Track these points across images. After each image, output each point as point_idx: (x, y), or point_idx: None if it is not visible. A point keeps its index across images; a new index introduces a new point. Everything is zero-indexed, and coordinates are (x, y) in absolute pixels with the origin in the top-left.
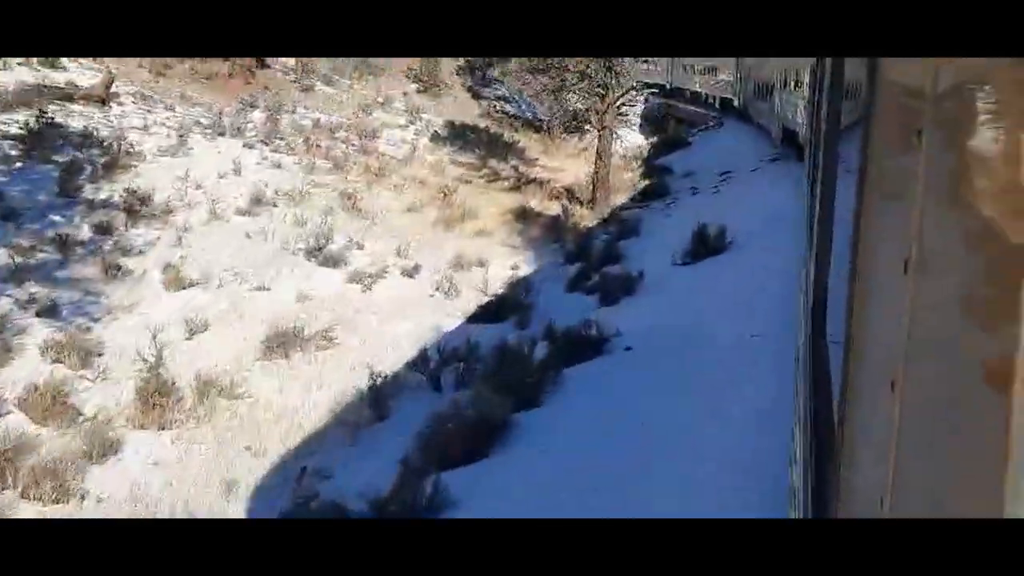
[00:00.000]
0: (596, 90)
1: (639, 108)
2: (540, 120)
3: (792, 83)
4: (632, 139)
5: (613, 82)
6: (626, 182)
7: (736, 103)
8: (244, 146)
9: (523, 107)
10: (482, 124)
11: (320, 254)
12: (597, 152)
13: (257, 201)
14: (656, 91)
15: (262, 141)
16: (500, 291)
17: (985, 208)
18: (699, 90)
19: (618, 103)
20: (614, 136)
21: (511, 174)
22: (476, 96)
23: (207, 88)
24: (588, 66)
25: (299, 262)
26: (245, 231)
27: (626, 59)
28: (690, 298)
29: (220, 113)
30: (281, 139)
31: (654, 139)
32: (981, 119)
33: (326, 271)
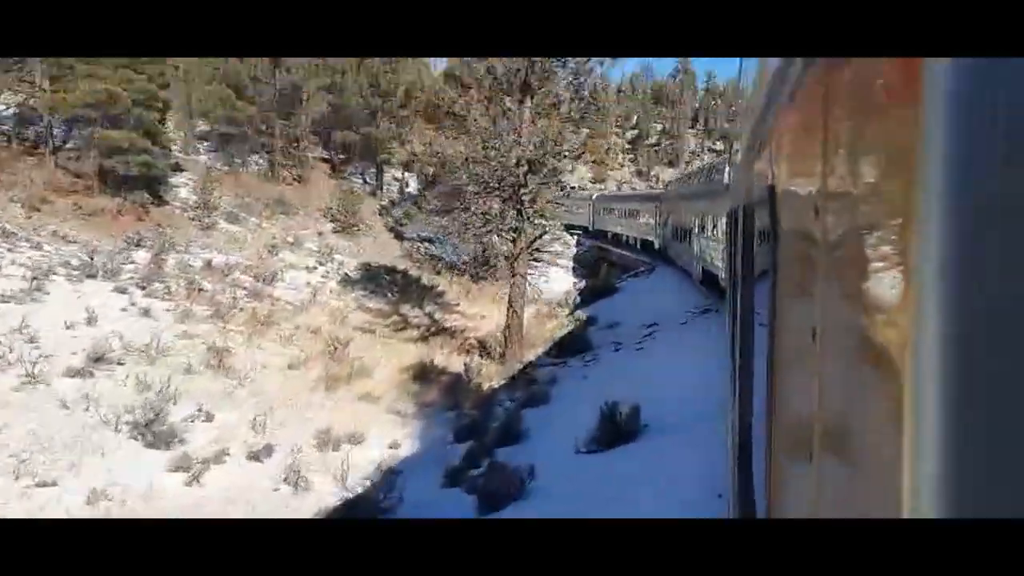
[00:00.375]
0: (508, 234)
1: (571, 251)
2: (465, 262)
3: (710, 228)
4: (560, 284)
5: (524, 225)
6: (546, 333)
7: (656, 245)
8: (115, 290)
9: (448, 248)
10: (402, 266)
11: (149, 430)
12: (508, 301)
13: (98, 359)
14: (579, 232)
15: (138, 284)
16: (362, 484)
17: (877, 364)
18: (620, 232)
19: (532, 247)
20: (527, 283)
21: (423, 322)
22: (399, 236)
23: (89, 225)
24: (491, 207)
25: (118, 442)
26: (64, 399)
27: (539, 199)
28: (586, 515)
29: (92, 253)
30: (162, 282)
31: (582, 284)
32: (871, 269)
33: (151, 454)
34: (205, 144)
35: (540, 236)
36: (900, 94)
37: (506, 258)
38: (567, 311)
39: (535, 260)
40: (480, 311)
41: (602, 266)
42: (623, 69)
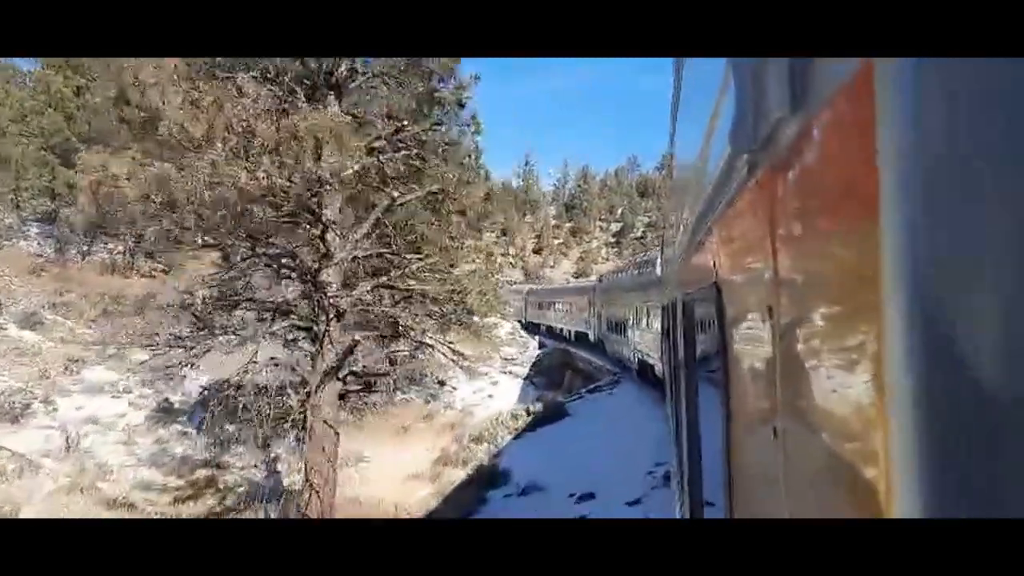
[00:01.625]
0: (297, 343)
1: (531, 354)
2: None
3: (645, 320)
4: (507, 399)
5: (327, 328)
6: (417, 501)
7: (591, 338)
8: None
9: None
10: (279, 381)
11: None
12: (304, 468)
13: None
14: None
15: None
16: None
17: (831, 477)
18: (553, 325)
19: (343, 370)
20: (334, 426)
21: (248, 478)
22: (291, 341)
23: None
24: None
25: None
26: None
27: (355, 280)
28: None
29: None
30: None
31: (524, 405)
32: (814, 363)
33: None
34: (46, 226)
35: (353, 348)
36: (853, 192)
37: (299, 378)
38: (486, 445)
39: (366, 389)
40: (364, 448)
41: (565, 373)
42: (608, 164)
